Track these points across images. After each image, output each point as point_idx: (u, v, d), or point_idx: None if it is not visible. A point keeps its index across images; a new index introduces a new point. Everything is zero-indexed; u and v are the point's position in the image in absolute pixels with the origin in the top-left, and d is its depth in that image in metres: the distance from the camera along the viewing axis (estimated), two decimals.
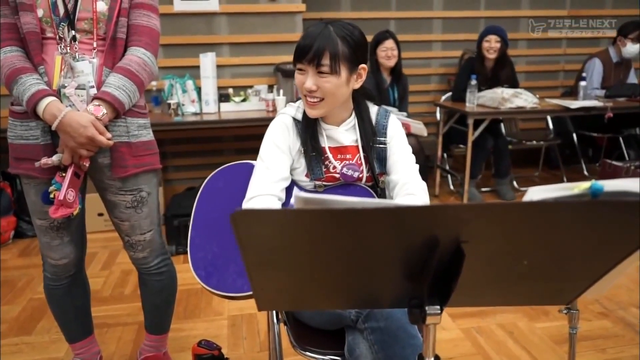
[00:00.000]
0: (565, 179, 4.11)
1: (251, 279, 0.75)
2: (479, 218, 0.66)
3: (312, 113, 1.35)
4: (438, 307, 0.79)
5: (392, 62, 3.56)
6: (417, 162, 3.66)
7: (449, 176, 4.11)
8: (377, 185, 1.43)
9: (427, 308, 0.78)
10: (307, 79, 1.29)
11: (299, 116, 1.41)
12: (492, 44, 3.59)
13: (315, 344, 1.36)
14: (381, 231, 0.68)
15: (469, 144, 3.36)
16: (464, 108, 3.39)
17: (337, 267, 0.75)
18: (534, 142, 4.07)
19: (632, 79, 4.12)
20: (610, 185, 0.66)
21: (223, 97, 3.52)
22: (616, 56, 4.01)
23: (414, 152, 3.85)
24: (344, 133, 1.42)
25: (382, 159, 1.43)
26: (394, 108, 3.63)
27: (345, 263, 0.74)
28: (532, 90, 4.40)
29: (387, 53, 3.53)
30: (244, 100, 3.53)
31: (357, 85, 1.36)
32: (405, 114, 3.61)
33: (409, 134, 3.47)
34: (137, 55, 1.50)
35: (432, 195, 3.87)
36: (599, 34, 4.61)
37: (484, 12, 4.48)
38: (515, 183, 4.04)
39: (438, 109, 4.08)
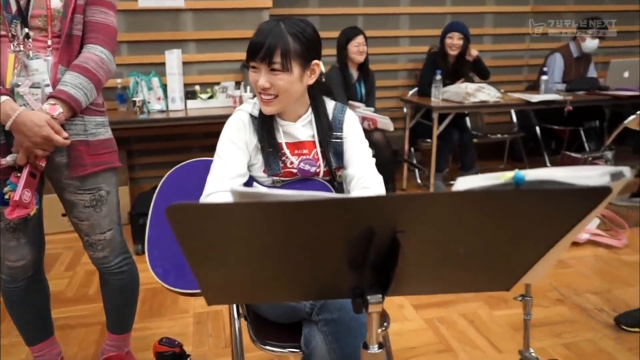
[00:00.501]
0: None
1: (195, 274, 0.77)
2: (412, 208, 0.69)
3: (267, 110, 1.36)
4: (380, 295, 0.81)
5: (363, 58, 3.60)
6: (384, 157, 3.79)
7: (417, 170, 4.16)
8: (335, 179, 1.46)
9: (368, 297, 0.80)
10: (260, 77, 1.30)
11: (256, 113, 1.42)
12: (454, 40, 3.66)
13: (275, 338, 1.38)
14: (317, 223, 0.70)
15: (434, 138, 3.42)
16: (430, 103, 3.44)
17: (278, 259, 0.77)
18: (499, 135, 4.16)
19: (591, 73, 4.24)
20: (533, 174, 0.69)
21: (189, 94, 3.49)
22: (577, 51, 4.13)
23: (381, 147, 3.90)
24: (300, 129, 1.43)
25: (339, 153, 1.45)
26: (361, 103, 3.67)
27: (286, 255, 0.76)
28: (497, 85, 4.49)
29: (359, 49, 3.57)
30: (210, 97, 3.52)
31: (311, 81, 1.37)
32: (372, 109, 3.66)
33: (376, 129, 3.54)
34: (94, 53, 1.49)
35: (399, 189, 3.93)
36: (562, 29, 4.72)
37: (449, 8, 4.54)
38: None
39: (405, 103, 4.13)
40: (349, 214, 0.70)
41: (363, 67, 3.64)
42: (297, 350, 1.31)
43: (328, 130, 1.44)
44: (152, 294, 2.37)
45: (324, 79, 1.46)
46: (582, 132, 4.30)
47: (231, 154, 1.39)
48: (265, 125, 1.41)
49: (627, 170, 0.69)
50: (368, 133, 3.51)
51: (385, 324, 1.45)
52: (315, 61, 1.36)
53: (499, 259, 0.83)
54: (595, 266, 2.65)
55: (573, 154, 3.29)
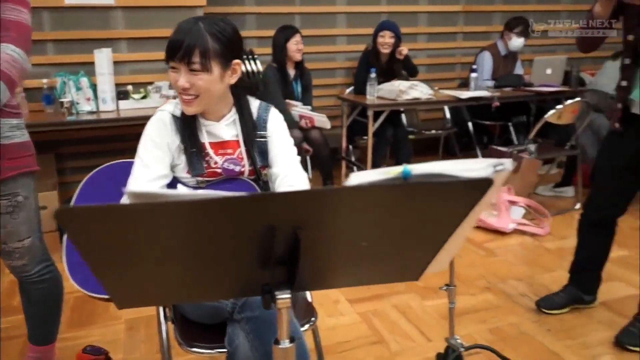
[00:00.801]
0: None
1: (99, 278, 0.76)
2: (307, 204, 0.71)
3: (188, 110, 1.35)
4: (288, 291, 0.83)
5: (300, 56, 3.62)
6: (322, 154, 3.83)
7: (355, 167, 4.23)
8: (260, 178, 1.46)
9: (276, 293, 0.82)
10: (180, 77, 1.29)
11: (178, 112, 1.41)
12: (386, 39, 3.75)
13: (201, 339, 1.37)
14: (217, 222, 0.71)
15: (370, 135, 3.49)
16: (365, 101, 3.51)
17: (183, 259, 0.77)
18: (433, 131, 4.29)
19: (518, 70, 4.44)
20: (420, 168, 0.73)
21: (122, 95, 3.40)
22: (504, 49, 4.31)
23: (318, 145, 3.92)
24: (224, 128, 1.44)
25: (264, 152, 1.46)
26: (298, 102, 3.69)
27: (190, 255, 0.77)
28: (431, 82, 4.62)
29: (298, 47, 3.60)
30: (144, 97, 3.43)
31: (232, 80, 1.38)
32: (309, 107, 3.69)
33: (313, 127, 3.57)
34: (6, 52, 1.43)
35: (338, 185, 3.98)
36: (490, 28, 4.92)
37: (385, 7, 4.64)
38: None
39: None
40: (249, 212, 0.71)
41: (299, 66, 3.67)
42: (224, 351, 1.31)
43: (252, 130, 1.45)
44: (82, 302, 2.30)
45: (249, 78, 1.47)
46: (510, 127, 4.51)
47: (152, 154, 1.38)
48: (187, 125, 1.40)
49: (508, 163, 0.74)
50: (306, 131, 3.55)
51: (312, 318, 1.47)
52: (236, 60, 1.36)
53: (402, 250, 0.86)
54: (520, 254, 2.79)
55: (500, 148, 3.45)
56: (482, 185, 0.68)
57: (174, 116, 1.41)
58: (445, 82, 4.84)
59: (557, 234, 2.98)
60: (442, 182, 0.70)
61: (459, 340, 1.77)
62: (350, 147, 4.18)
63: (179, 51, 1.27)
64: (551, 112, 3.04)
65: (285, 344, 0.87)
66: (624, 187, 1.96)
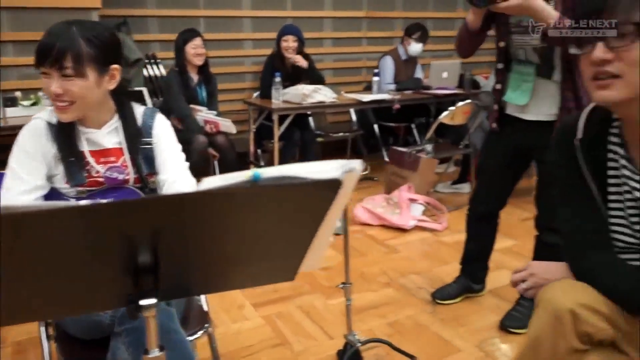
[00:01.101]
0: (368, 167, 4.51)
1: None
2: (161, 210, 0.71)
3: (63, 117, 1.30)
4: (153, 300, 0.82)
5: (201, 60, 3.56)
6: (228, 159, 3.78)
7: None
8: (146, 186, 1.43)
9: (140, 302, 0.81)
10: (52, 83, 1.24)
11: (54, 120, 1.34)
12: (289, 43, 3.80)
13: (84, 356, 1.32)
14: (76, 231, 0.69)
15: (276, 139, 3.52)
16: (270, 105, 3.53)
17: (51, 272, 0.74)
18: (340, 133, 4.40)
19: (418, 73, 4.66)
20: (270, 171, 0.75)
21: (9, 101, 3.17)
22: (404, 54, 4.51)
23: (224, 150, 3.87)
24: (106, 136, 1.39)
25: (150, 159, 1.43)
26: (203, 107, 3.64)
27: (56, 267, 0.74)
28: (338, 86, 4.74)
29: (197, 51, 3.53)
30: (34, 103, 3.23)
31: (111, 86, 1.34)
32: (215, 112, 3.64)
33: (219, 132, 3.54)
34: None
35: None
36: (392, 33, 5.12)
37: (290, 12, 4.68)
38: None
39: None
40: (106, 221, 0.69)
41: (203, 70, 3.62)
42: None
43: (137, 136, 1.42)
44: None
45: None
46: (413, 128, 4.72)
47: (25, 166, 1.31)
48: (64, 134, 1.34)
49: (357, 164, 0.78)
50: (211, 136, 3.50)
51: (206, 325, 1.46)
52: (114, 66, 1.33)
53: (270, 252, 0.88)
54: (420, 249, 2.93)
55: (400, 148, 3.60)
56: (331, 186, 0.72)
57: (49, 124, 1.34)
58: (352, 86, 4.98)
59: (454, 228, 3.15)
60: (291, 184, 0.73)
61: (356, 336, 1.83)
62: (259, 151, 4.18)
63: (49, 56, 1.22)
64: (445, 113, 3.22)
65: (155, 353, 0.85)
66: (503, 182, 2.12)
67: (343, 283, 1.83)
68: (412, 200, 3.25)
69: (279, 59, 3.88)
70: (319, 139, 4.30)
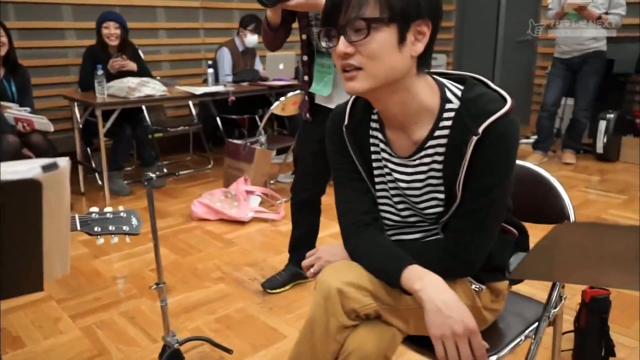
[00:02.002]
0: (212, 160, 4.44)
1: None
2: None
3: None
4: None
5: (2, 51, 3.17)
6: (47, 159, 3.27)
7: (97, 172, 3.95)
8: None
9: None
10: None
11: None
12: (111, 30, 3.57)
13: None
14: None
15: (101, 136, 3.28)
16: (94, 100, 3.28)
17: None
18: (179, 128, 4.25)
19: (258, 65, 4.67)
20: None
21: None
22: (242, 45, 4.48)
23: (42, 150, 3.51)
24: None
25: None
26: (14, 104, 3.26)
27: None
28: (177, 78, 4.57)
29: None
30: None
31: None
32: (28, 109, 3.29)
33: (34, 131, 3.20)
34: None
35: (78, 193, 3.67)
36: (230, 25, 5.06)
37: (116, 0, 4.39)
38: (166, 170, 4.16)
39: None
40: None
41: (8, 62, 3.23)
42: None
43: None
44: None
45: None
46: (257, 119, 4.73)
47: None
48: None
49: (62, 161, 0.73)
50: (25, 136, 3.16)
51: None
52: None
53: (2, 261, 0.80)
54: (256, 240, 2.95)
55: (235, 141, 3.59)
56: (29, 187, 0.66)
57: None
58: (192, 78, 4.84)
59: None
60: None
61: (175, 337, 1.78)
62: (89, 150, 3.88)
63: None
64: (275, 104, 3.26)
65: None
66: (320, 169, 2.20)
67: (156, 284, 1.76)
68: (249, 192, 3.26)
69: (100, 49, 3.61)
70: (158, 135, 4.11)
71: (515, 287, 1.33)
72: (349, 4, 0.95)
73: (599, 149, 4.38)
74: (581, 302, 1.80)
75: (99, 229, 1.40)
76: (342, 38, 0.97)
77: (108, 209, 1.47)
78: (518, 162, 1.40)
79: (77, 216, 1.39)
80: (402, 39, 0.97)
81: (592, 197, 3.58)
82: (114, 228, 1.43)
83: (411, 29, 0.97)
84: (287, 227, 3.11)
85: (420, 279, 1.00)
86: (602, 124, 4.35)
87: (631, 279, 0.69)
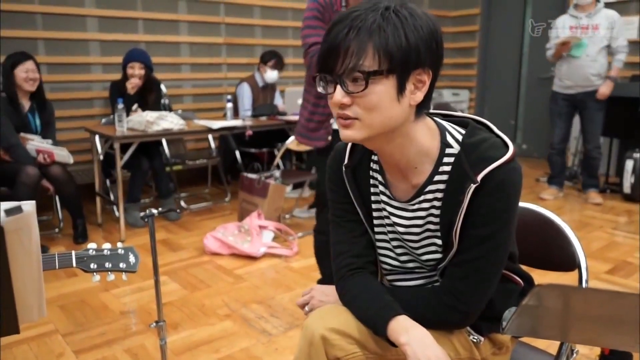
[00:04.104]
0: (229, 193, 4.44)
1: None
2: None
3: None
4: None
5: (33, 87, 3.28)
6: (66, 192, 3.54)
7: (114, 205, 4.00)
8: None
9: None
10: None
11: None
12: (135, 70, 3.66)
13: None
14: None
15: (118, 169, 3.33)
16: (113, 133, 3.34)
17: None
18: (197, 161, 4.29)
19: (277, 100, 4.72)
20: None
21: None
22: (262, 81, 4.54)
23: (62, 182, 3.57)
24: None
25: None
26: (36, 135, 3.35)
27: None
28: (196, 112, 4.64)
29: (28, 75, 3.24)
30: None
31: None
32: (50, 141, 3.37)
33: (54, 163, 3.26)
34: None
35: (95, 224, 3.71)
36: (252, 60, 5.15)
37: (143, 36, 4.52)
38: (183, 202, 4.18)
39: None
40: None
41: (36, 96, 3.33)
42: None
43: None
44: None
45: None
46: (276, 153, 4.74)
47: None
48: None
49: (27, 205, 0.71)
50: (45, 167, 3.22)
51: None
52: None
53: None
54: (267, 277, 2.90)
55: (249, 175, 3.59)
56: None
57: None
58: (214, 112, 4.91)
59: (305, 253, 3.17)
60: None
61: None
62: (108, 182, 3.93)
63: None
64: (290, 139, 3.26)
65: None
66: None
67: (156, 322, 1.73)
68: (262, 227, 3.23)
69: (124, 85, 3.70)
70: (177, 167, 4.16)
71: (526, 338, 1.26)
72: (347, 51, 0.90)
73: (626, 189, 4.24)
74: (600, 354, 1.70)
75: (95, 266, 1.39)
76: (339, 87, 0.93)
77: (106, 245, 1.46)
78: (526, 205, 1.34)
79: (73, 252, 1.37)
80: (401, 90, 0.92)
81: (619, 239, 3.44)
82: (110, 265, 1.41)
83: (411, 79, 0.93)
84: (299, 263, 3.07)
85: (407, 332, 0.95)
86: (629, 164, 4.22)
87: (624, 340, 0.63)
